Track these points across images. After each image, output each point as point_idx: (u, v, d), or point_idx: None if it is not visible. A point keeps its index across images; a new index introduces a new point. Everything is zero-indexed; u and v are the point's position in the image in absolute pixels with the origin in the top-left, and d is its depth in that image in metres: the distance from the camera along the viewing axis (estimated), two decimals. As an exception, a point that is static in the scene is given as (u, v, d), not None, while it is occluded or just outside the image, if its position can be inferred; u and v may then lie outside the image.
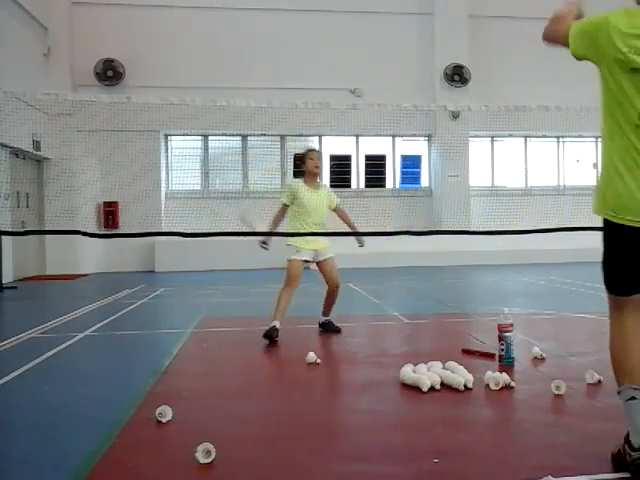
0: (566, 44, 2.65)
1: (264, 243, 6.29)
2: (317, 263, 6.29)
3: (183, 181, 14.98)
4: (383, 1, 15.05)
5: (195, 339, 5.78)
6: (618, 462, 2.57)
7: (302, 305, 8.60)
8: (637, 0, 2.59)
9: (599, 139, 2.69)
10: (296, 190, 6.09)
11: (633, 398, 2.48)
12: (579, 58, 2.65)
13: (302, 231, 6.06)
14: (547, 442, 2.93)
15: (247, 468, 2.71)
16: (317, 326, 6.28)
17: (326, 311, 6.25)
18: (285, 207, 6.19)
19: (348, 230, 6.60)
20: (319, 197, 6.14)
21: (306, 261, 6.17)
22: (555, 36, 2.74)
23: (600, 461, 2.63)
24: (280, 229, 6.20)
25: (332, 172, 15.67)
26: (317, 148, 15.67)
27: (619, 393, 2.56)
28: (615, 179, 2.51)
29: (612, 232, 2.57)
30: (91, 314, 7.60)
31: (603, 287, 2.69)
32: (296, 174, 15.57)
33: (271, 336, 5.54)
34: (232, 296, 9.52)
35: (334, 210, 6.39)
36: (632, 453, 2.47)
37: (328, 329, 6.17)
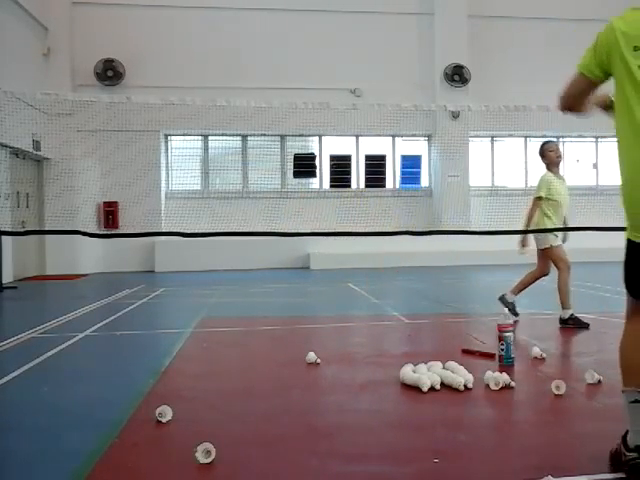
0: (584, 86, 2.63)
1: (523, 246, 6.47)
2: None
3: (183, 181, 14.98)
4: (383, 1, 15.05)
5: (195, 339, 5.78)
6: (615, 461, 2.57)
7: (302, 305, 8.61)
8: None
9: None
10: (550, 182, 6.21)
11: (637, 401, 2.47)
12: (601, 76, 2.58)
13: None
14: (547, 442, 2.93)
15: (247, 468, 2.71)
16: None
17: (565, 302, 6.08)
18: (540, 201, 6.23)
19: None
20: (566, 186, 6.33)
21: None
22: (574, 95, 2.67)
23: (600, 461, 2.63)
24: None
25: (332, 172, 15.68)
26: (318, 148, 15.71)
27: (623, 392, 2.54)
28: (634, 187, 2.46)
29: (632, 243, 2.55)
30: (91, 314, 7.60)
31: (612, 287, 2.69)
32: (296, 174, 15.60)
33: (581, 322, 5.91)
34: (232, 296, 9.52)
35: None
36: (627, 453, 2.47)
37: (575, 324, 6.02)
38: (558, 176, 6.28)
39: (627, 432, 2.53)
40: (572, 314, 6.03)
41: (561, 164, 6.38)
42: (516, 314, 6.31)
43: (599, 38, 2.55)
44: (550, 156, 6.23)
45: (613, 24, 2.49)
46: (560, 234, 6.21)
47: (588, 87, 2.64)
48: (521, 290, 6.49)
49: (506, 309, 5.70)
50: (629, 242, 2.56)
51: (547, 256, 6.24)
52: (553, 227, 6.15)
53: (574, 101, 2.69)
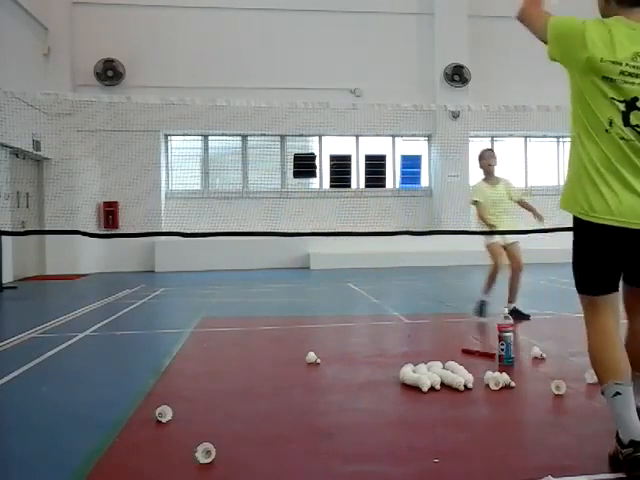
0: (542, 39, 2.70)
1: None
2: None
3: (183, 181, 14.97)
4: (383, 1, 15.04)
5: (195, 339, 5.78)
6: (615, 462, 2.56)
7: (302, 305, 8.61)
8: (626, 2, 2.63)
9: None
10: (479, 189, 6.82)
11: (618, 394, 2.50)
12: (552, 59, 2.71)
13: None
14: (547, 442, 2.93)
15: (247, 468, 2.71)
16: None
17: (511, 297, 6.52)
18: (477, 205, 6.86)
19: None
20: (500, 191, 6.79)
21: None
22: (531, 25, 2.74)
23: (600, 461, 2.63)
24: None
25: (332, 172, 15.68)
26: (318, 148, 15.71)
27: (603, 393, 2.57)
28: (587, 181, 2.58)
29: (584, 231, 2.63)
30: (91, 314, 7.60)
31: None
32: (296, 174, 15.59)
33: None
34: (232, 296, 9.52)
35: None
36: (623, 450, 2.47)
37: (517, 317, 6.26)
38: (490, 182, 6.74)
39: (617, 432, 2.53)
40: (484, 300, 6.48)
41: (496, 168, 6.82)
42: (483, 314, 6.50)
43: (581, 26, 2.58)
44: (482, 164, 6.76)
45: (586, 25, 2.57)
46: (498, 236, 6.66)
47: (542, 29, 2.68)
48: (488, 289, 6.64)
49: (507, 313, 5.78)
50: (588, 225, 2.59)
51: (490, 252, 6.72)
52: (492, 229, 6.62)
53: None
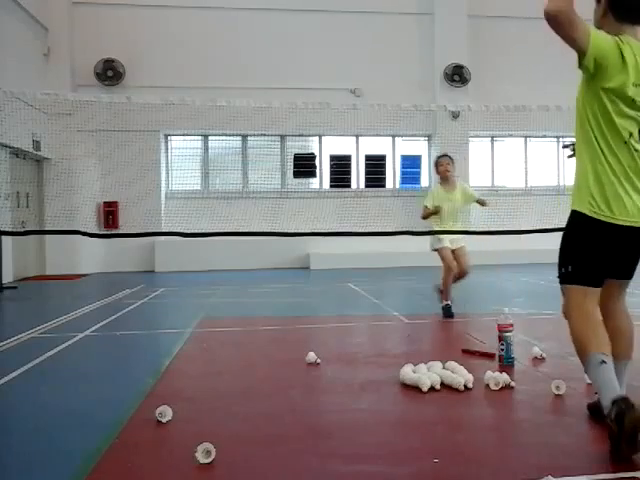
0: (578, 48, 2.67)
1: None
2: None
3: (183, 181, 14.98)
4: (383, 1, 15.05)
5: (195, 339, 5.78)
6: (615, 443, 2.60)
7: (302, 305, 8.60)
8: (627, 20, 2.77)
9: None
10: (433, 193, 7.01)
11: (604, 362, 2.70)
12: (582, 69, 2.76)
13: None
14: (547, 442, 2.93)
15: (247, 468, 2.71)
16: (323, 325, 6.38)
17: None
18: (427, 208, 7.02)
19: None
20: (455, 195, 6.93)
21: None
22: (570, 30, 2.61)
23: (600, 461, 2.63)
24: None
25: (332, 172, 15.68)
26: (318, 148, 15.71)
27: (587, 364, 2.76)
28: (607, 184, 2.78)
29: (593, 228, 2.81)
30: (91, 314, 7.60)
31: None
32: (296, 174, 15.60)
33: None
34: (232, 296, 9.52)
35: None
36: (611, 413, 2.56)
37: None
38: (445, 187, 6.90)
39: (596, 403, 2.77)
40: (448, 304, 6.76)
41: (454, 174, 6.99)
42: (451, 315, 6.72)
43: (616, 46, 2.68)
44: (439, 170, 6.96)
45: (630, 45, 2.70)
46: (445, 238, 6.85)
47: (578, 21, 2.63)
48: (445, 292, 6.83)
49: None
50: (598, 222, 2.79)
51: (440, 256, 6.89)
52: (442, 230, 6.88)
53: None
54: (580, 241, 2.87)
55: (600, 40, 2.67)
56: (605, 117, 2.74)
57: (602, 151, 2.77)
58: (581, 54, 2.67)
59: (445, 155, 7.18)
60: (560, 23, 2.58)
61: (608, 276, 2.93)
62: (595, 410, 3.07)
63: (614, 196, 2.75)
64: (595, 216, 2.79)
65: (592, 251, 2.84)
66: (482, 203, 7.00)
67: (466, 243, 7.04)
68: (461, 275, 6.87)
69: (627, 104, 2.71)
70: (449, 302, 6.78)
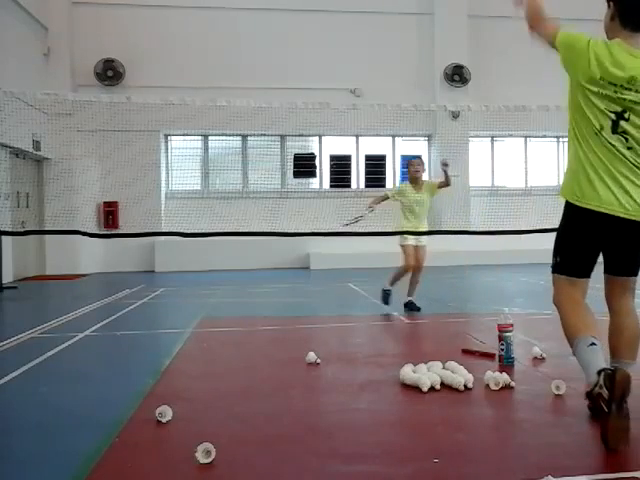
0: (552, 47, 3.07)
1: None
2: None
3: (183, 181, 14.97)
4: (383, 1, 15.04)
5: (195, 339, 5.78)
6: (600, 418, 2.72)
7: (302, 305, 8.61)
8: (628, 26, 2.94)
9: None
10: (403, 191, 7.51)
11: (593, 344, 2.84)
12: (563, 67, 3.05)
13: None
14: (547, 442, 2.93)
15: (247, 468, 2.71)
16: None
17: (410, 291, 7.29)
18: (386, 198, 7.74)
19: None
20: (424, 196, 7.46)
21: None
22: (541, 38, 3.16)
23: (600, 461, 2.64)
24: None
25: (332, 172, 15.67)
26: (318, 148, 15.71)
27: (576, 346, 2.90)
28: (582, 174, 2.98)
29: (573, 215, 3.02)
30: (91, 314, 7.60)
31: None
32: (296, 174, 15.59)
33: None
34: (232, 296, 9.52)
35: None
36: (595, 386, 2.70)
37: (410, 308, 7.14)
38: (415, 187, 7.40)
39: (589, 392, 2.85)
40: (411, 300, 7.23)
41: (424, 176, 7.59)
42: (387, 303, 7.29)
43: (586, 45, 2.93)
44: (409, 171, 7.51)
45: (591, 44, 2.92)
46: (411, 237, 7.30)
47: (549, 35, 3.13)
48: (394, 282, 7.34)
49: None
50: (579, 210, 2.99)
51: (403, 252, 7.32)
52: (412, 229, 7.36)
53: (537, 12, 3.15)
54: (566, 231, 3.07)
55: (565, 39, 3.01)
56: (579, 110, 2.97)
57: (579, 142, 2.99)
58: (553, 48, 3.07)
59: (418, 157, 7.78)
60: (533, 35, 3.20)
61: (606, 272, 3.11)
62: (595, 408, 3.08)
63: (587, 183, 2.94)
64: (573, 201, 3.00)
65: (576, 240, 3.04)
66: (445, 184, 7.43)
67: (428, 243, 7.48)
68: (416, 269, 7.25)
69: (599, 99, 2.89)
70: (390, 289, 7.30)
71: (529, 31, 3.18)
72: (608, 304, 3.17)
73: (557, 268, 3.15)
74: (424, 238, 7.41)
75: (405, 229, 7.36)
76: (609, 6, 2.99)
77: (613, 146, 2.89)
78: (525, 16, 3.20)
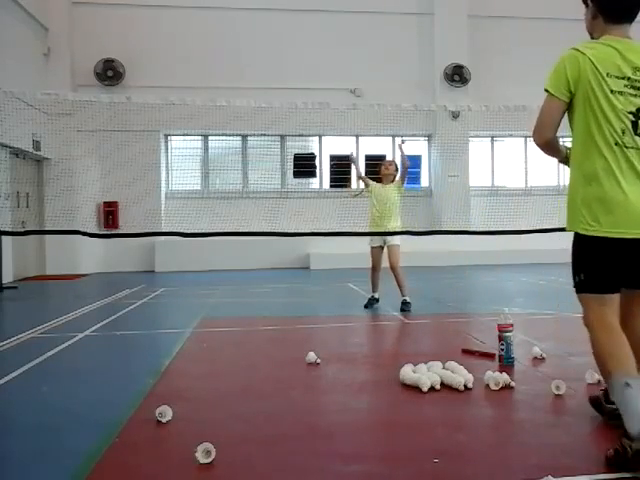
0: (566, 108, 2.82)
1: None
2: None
3: (183, 181, 14.96)
4: (383, 1, 15.05)
5: (195, 339, 5.78)
6: (617, 463, 2.54)
7: (302, 305, 8.60)
8: (612, 19, 2.82)
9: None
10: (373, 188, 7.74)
11: (628, 385, 2.53)
12: (568, 97, 2.80)
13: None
14: (547, 442, 2.93)
15: (247, 468, 2.71)
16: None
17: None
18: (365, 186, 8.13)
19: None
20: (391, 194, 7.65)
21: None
22: (554, 154, 3.03)
23: (600, 461, 2.63)
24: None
25: (332, 172, 15.67)
26: (318, 148, 15.71)
27: (611, 385, 2.63)
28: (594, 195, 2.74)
29: (592, 242, 2.74)
30: (91, 314, 7.60)
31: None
32: (296, 174, 15.60)
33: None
34: (232, 296, 9.52)
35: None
36: (632, 444, 2.46)
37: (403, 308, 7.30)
38: (384, 186, 7.70)
39: (598, 397, 2.72)
40: (372, 296, 7.63)
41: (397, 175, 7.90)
42: (368, 306, 7.54)
43: (569, 62, 2.77)
44: (380, 169, 7.94)
45: (586, 53, 2.75)
46: (377, 238, 7.55)
47: (560, 111, 2.81)
48: (374, 285, 7.68)
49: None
50: (592, 238, 2.73)
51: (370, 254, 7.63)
52: (376, 228, 7.56)
53: (551, 131, 2.84)
54: (586, 254, 2.79)
55: (553, 83, 2.81)
56: (597, 122, 2.75)
57: (592, 160, 2.75)
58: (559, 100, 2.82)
59: (390, 160, 8.59)
60: (549, 149, 2.94)
61: (623, 285, 2.79)
62: (596, 404, 3.06)
63: (602, 208, 2.71)
64: (590, 234, 2.74)
65: (600, 262, 2.74)
66: (403, 171, 7.74)
67: (401, 242, 7.64)
68: (392, 270, 7.43)
69: (615, 98, 2.72)
70: (374, 294, 7.62)
71: (543, 147, 2.93)
72: (622, 322, 2.80)
73: (582, 287, 2.80)
74: (397, 237, 7.56)
75: (371, 228, 7.66)
76: (587, 5, 2.92)
77: (637, 150, 2.71)
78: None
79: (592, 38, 2.92)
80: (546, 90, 2.81)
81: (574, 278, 2.83)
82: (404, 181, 7.79)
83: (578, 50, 2.78)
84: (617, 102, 2.71)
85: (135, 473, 2.69)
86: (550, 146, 2.90)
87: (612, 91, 2.71)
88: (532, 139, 2.90)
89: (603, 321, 2.72)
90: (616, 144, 2.70)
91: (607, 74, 2.71)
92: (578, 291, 2.82)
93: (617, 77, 2.71)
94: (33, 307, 8.99)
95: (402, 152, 7.87)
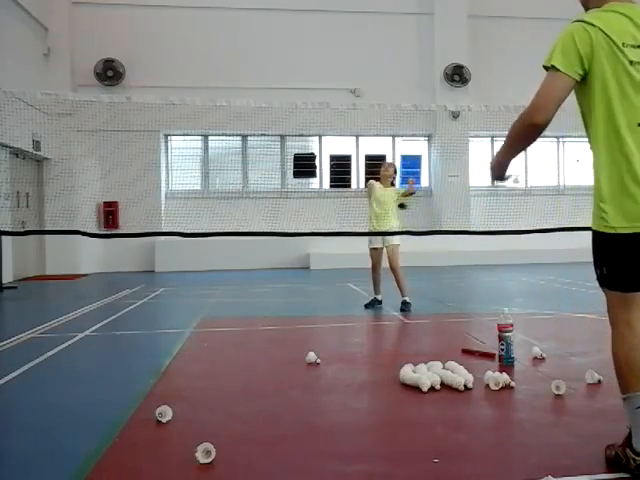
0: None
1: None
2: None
3: (183, 181, 14.97)
4: (383, 1, 15.05)
5: (195, 339, 5.78)
6: (617, 464, 2.55)
7: (302, 305, 8.60)
8: None
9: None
10: (372, 187, 7.75)
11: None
12: (581, 75, 2.47)
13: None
14: (547, 442, 2.93)
15: (247, 468, 2.71)
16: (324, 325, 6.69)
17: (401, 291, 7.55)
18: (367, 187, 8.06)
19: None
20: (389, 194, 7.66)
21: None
22: (526, 114, 2.58)
23: (600, 461, 2.63)
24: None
25: (332, 172, 15.68)
26: (318, 148, 15.71)
27: (626, 399, 2.44)
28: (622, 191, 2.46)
29: (617, 241, 2.45)
30: (91, 314, 7.60)
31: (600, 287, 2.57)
32: (296, 174, 15.60)
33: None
34: (232, 296, 9.52)
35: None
36: (637, 458, 2.44)
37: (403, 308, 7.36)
38: (382, 186, 7.71)
39: (630, 435, 2.47)
40: (375, 298, 7.73)
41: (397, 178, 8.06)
42: (368, 306, 7.63)
43: (579, 36, 2.43)
44: (380, 171, 7.93)
45: (595, 23, 2.42)
46: (376, 239, 7.60)
47: (567, 91, 2.48)
48: (374, 288, 7.78)
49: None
50: (616, 235, 2.44)
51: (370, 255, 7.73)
52: (378, 228, 7.58)
53: (553, 112, 2.49)
54: (607, 251, 2.51)
55: (561, 56, 2.45)
56: (621, 99, 2.43)
57: (621, 146, 2.46)
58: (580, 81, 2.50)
59: (390, 163, 8.65)
60: (539, 133, 2.59)
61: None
62: (616, 462, 2.60)
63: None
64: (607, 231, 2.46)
65: (622, 259, 2.46)
66: (406, 194, 7.67)
67: (401, 242, 7.68)
68: (392, 271, 7.51)
69: (634, 70, 2.42)
70: (377, 296, 7.71)
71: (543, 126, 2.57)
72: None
73: (605, 282, 2.51)
74: (396, 237, 7.60)
75: (370, 228, 7.69)
76: None
77: None
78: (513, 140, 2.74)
79: (587, 10, 2.58)
80: (551, 67, 2.45)
81: (596, 270, 2.56)
82: (405, 197, 7.75)
83: (585, 22, 2.44)
84: (637, 74, 2.40)
85: (135, 473, 2.69)
86: (544, 129, 2.55)
87: (631, 62, 2.40)
88: (523, 119, 2.57)
89: (627, 323, 2.46)
90: (639, 124, 2.41)
91: (623, 44, 2.40)
92: (601, 285, 2.56)
93: (633, 46, 2.41)
94: (33, 307, 8.99)
95: (411, 187, 7.68)
